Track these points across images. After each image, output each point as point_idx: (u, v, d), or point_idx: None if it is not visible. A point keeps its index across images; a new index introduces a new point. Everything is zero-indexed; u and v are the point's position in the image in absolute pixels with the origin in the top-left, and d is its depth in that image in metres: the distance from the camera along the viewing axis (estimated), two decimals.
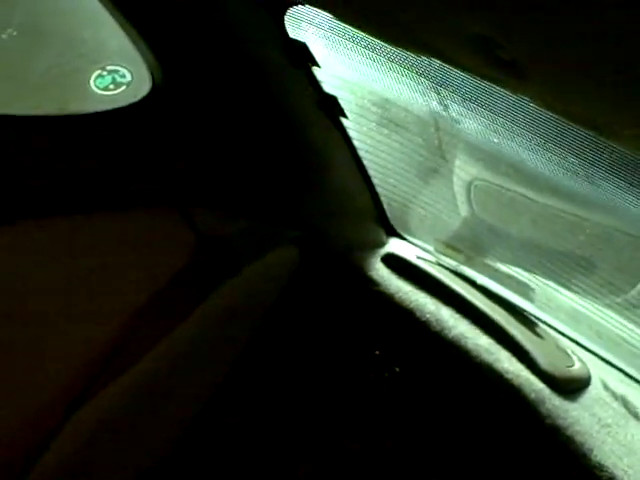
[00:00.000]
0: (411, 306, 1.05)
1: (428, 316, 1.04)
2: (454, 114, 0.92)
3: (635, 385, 1.05)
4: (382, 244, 1.17)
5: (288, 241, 1.12)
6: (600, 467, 0.87)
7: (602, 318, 1.11)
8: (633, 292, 1.08)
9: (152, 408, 1.00)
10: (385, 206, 1.17)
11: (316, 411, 1.18)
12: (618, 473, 0.86)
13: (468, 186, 1.23)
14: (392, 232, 1.21)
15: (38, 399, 0.87)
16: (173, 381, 1.01)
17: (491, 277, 1.16)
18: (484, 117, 0.85)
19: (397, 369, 1.08)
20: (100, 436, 0.91)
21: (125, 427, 0.96)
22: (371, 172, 1.10)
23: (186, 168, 1.02)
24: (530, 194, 1.19)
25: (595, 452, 0.89)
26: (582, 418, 0.92)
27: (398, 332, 1.09)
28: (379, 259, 1.13)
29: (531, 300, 1.15)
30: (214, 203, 1.09)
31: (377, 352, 1.10)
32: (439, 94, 0.87)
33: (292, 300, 1.13)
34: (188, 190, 1.06)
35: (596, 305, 1.12)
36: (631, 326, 1.09)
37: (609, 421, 0.94)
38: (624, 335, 1.09)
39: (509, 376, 0.96)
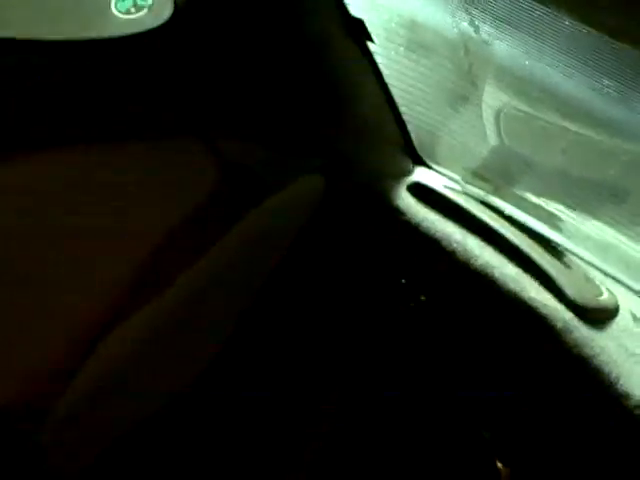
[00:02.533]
0: (437, 235, 1.04)
1: (454, 245, 1.02)
2: (485, 35, 0.89)
3: None
4: (409, 173, 1.16)
5: (313, 170, 1.10)
6: (627, 396, 0.87)
7: (632, 249, 1.09)
8: None
9: (175, 340, 1.00)
10: (412, 135, 1.15)
11: (342, 342, 1.18)
12: None
13: (497, 114, 1.20)
14: (419, 161, 1.19)
15: (64, 331, 0.88)
16: (197, 312, 1.01)
17: (519, 207, 1.14)
18: (516, 38, 0.82)
19: (423, 298, 1.07)
20: (126, 367, 0.92)
21: (151, 357, 0.97)
22: (398, 99, 1.08)
23: (210, 97, 1.01)
24: (561, 122, 1.16)
25: (622, 381, 0.88)
26: (609, 347, 0.92)
27: (424, 261, 1.08)
28: (405, 188, 1.11)
29: (559, 230, 1.13)
30: (239, 133, 1.07)
31: (403, 281, 1.10)
32: (469, 14, 0.84)
33: (318, 229, 1.12)
34: (213, 119, 1.04)
35: (626, 236, 1.10)
36: None
37: (637, 351, 0.93)
38: None
39: (536, 305, 0.95)
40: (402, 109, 1.10)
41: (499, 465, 0.98)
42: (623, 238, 1.11)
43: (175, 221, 0.99)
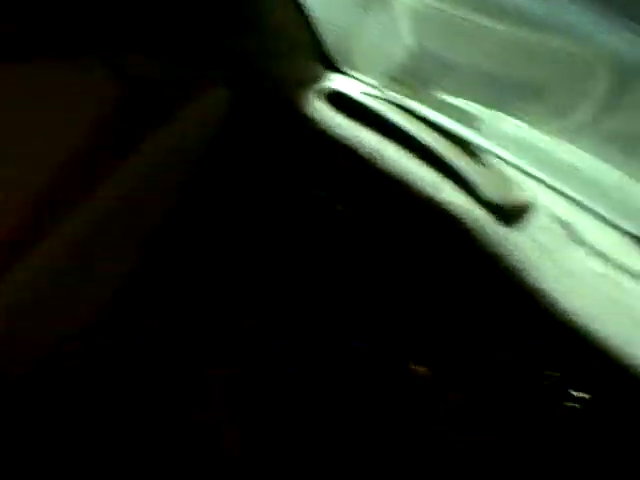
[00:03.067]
0: (353, 142, 1.02)
1: (370, 152, 1.00)
2: None
3: (578, 210, 1.04)
4: (322, 80, 1.12)
5: (220, 82, 1.06)
6: (541, 291, 0.88)
7: (549, 145, 1.09)
8: (581, 115, 1.05)
9: (83, 267, 0.97)
10: (324, 39, 1.10)
11: (257, 254, 1.17)
12: (557, 296, 0.87)
13: (412, 12, 1.16)
14: (333, 68, 1.15)
15: None
16: (105, 237, 0.98)
17: (438, 109, 1.12)
18: None
19: (339, 207, 1.06)
20: (29, 299, 0.89)
21: (55, 289, 0.95)
22: (306, 1, 1.03)
23: (109, 13, 0.95)
24: (478, 19, 1.13)
25: (536, 277, 0.89)
26: (524, 244, 0.92)
27: (339, 170, 1.06)
28: (319, 95, 1.08)
29: (478, 130, 1.11)
30: (141, 48, 1.02)
31: (318, 191, 1.08)
32: None
33: (227, 143, 1.08)
34: (112, 35, 0.99)
35: (544, 132, 1.10)
36: (578, 151, 1.07)
37: (551, 246, 0.94)
38: (571, 161, 1.07)
39: (452, 206, 0.94)
40: (311, 12, 1.05)
41: (413, 367, 0.99)
42: (541, 135, 1.10)
43: (78, 141, 0.95)
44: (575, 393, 0.86)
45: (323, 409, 1.11)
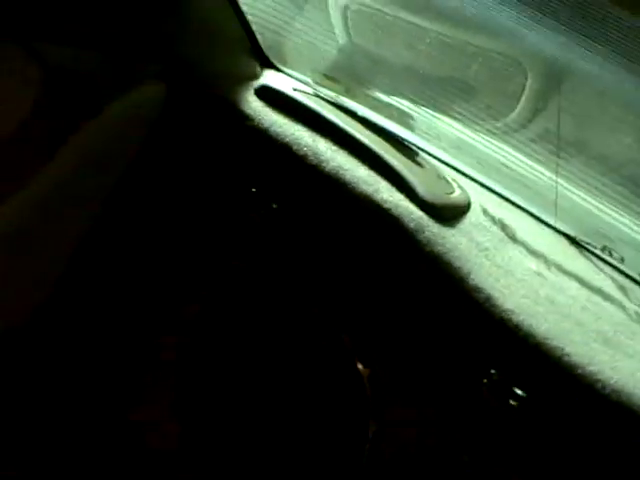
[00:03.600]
0: (287, 140, 0.99)
1: (305, 149, 0.98)
2: None
3: (513, 209, 1.05)
4: (256, 76, 1.09)
5: (153, 76, 1.02)
6: (477, 289, 0.88)
7: (482, 144, 1.09)
8: (513, 115, 1.06)
9: (10, 267, 0.92)
10: (258, 35, 1.08)
11: (194, 251, 1.14)
12: (494, 294, 0.87)
13: (344, 10, 1.15)
14: (267, 64, 1.13)
15: None
16: (31, 235, 0.93)
17: (371, 108, 1.11)
18: None
19: (274, 206, 1.03)
20: None
21: None
22: None
23: None
24: (409, 17, 1.13)
25: (473, 275, 0.89)
26: (460, 243, 0.92)
27: (274, 168, 1.04)
28: (253, 92, 1.05)
29: (412, 129, 1.11)
30: (65, 37, 0.97)
31: (253, 189, 1.05)
32: None
33: (161, 138, 1.05)
34: (34, 23, 0.94)
35: (477, 132, 1.10)
36: (510, 151, 1.08)
37: (487, 245, 0.94)
38: (504, 160, 1.08)
39: (388, 206, 0.93)
40: (245, 7, 1.03)
41: (360, 367, 0.98)
42: (474, 134, 1.11)
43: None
44: (518, 391, 0.86)
45: (261, 402, 1.08)
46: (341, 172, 0.96)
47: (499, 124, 1.07)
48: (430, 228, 0.92)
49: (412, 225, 0.92)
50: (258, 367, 1.10)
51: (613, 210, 1.01)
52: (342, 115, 1.06)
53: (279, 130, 1.01)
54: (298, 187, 1.02)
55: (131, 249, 1.13)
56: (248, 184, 1.05)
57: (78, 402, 1.13)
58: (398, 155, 1.01)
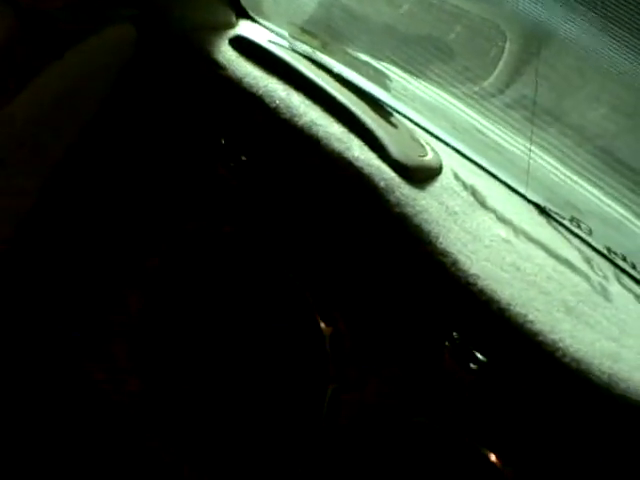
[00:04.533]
0: (260, 92, 0.97)
1: (278, 102, 0.96)
2: None
3: (485, 175, 1.04)
4: (231, 26, 1.07)
5: (124, 19, 0.99)
6: (445, 253, 0.87)
7: (458, 109, 1.08)
8: (490, 80, 1.04)
9: None
10: None
11: (160, 202, 1.11)
12: (461, 258, 0.86)
13: None
14: (243, 14, 1.10)
15: None
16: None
17: (347, 65, 1.09)
18: None
19: (244, 158, 1.01)
20: None
21: None
22: None
23: None
24: None
25: (441, 239, 0.88)
26: (430, 206, 0.91)
27: (245, 119, 1.01)
28: (227, 41, 1.02)
29: (387, 89, 1.09)
30: None
31: (223, 141, 1.02)
32: None
33: (130, 84, 1.02)
34: None
35: (453, 95, 1.09)
36: (485, 116, 1.06)
37: (457, 209, 0.93)
38: (478, 126, 1.07)
39: (359, 164, 0.91)
40: None
41: (322, 325, 0.97)
42: (449, 98, 1.09)
43: None
44: (479, 355, 0.86)
45: (221, 357, 1.07)
46: (314, 128, 0.94)
47: (476, 88, 1.06)
48: (401, 189, 0.91)
49: (383, 185, 0.90)
50: (219, 323, 1.08)
51: (584, 182, 1.01)
52: (317, 70, 1.04)
53: (252, 82, 0.98)
54: (269, 140, 1.00)
55: (92, 198, 1.11)
56: (217, 135, 1.02)
57: (36, 356, 1.12)
58: (372, 114, 0.99)
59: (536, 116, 0.98)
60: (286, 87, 0.98)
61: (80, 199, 1.12)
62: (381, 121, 0.99)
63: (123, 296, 1.12)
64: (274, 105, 0.96)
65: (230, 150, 1.02)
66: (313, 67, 1.04)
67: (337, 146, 0.93)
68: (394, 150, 0.94)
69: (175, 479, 1.06)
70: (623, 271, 0.96)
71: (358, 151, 0.93)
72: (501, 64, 1.04)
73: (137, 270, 1.13)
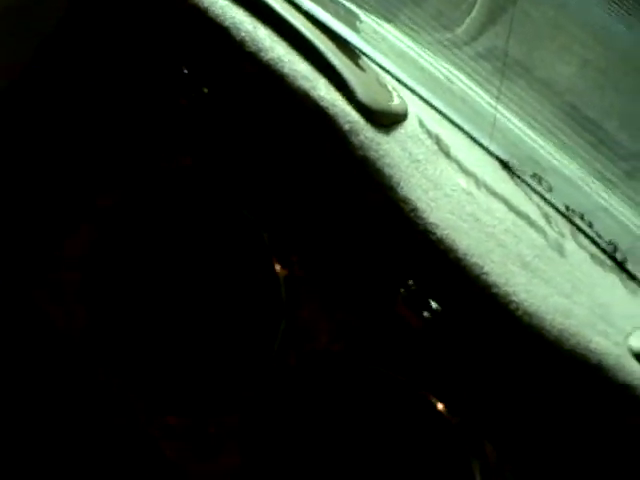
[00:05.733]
0: (226, 23, 0.93)
1: (244, 35, 0.92)
2: None
3: (450, 126, 1.03)
4: None
5: None
6: (405, 200, 0.86)
7: (428, 56, 1.06)
8: (463, 27, 1.02)
9: None
10: None
11: (115, 134, 1.07)
12: (421, 206, 0.85)
13: None
14: None
15: None
16: None
17: (317, 2, 1.05)
18: None
19: (205, 90, 0.98)
20: None
21: None
22: None
23: None
24: None
25: (402, 185, 0.87)
26: (394, 152, 0.89)
27: (209, 50, 0.97)
28: None
29: (357, 31, 1.06)
30: None
31: (185, 71, 0.99)
32: None
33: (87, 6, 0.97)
34: None
35: (424, 42, 1.07)
36: (455, 65, 1.05)
37: (420, 157, 0.92)
38: (447, 74, 1.05)
39: (325, 104, 0.89)
40: None
41: (277, 267, 0.96)
42: (420, 44, 1.07)
43: None
44: (433, 303, 0.86)
45: (172, 293, 1.05)
46: (280, 64, 0.91)
47: (448, 35, 1.04)
48: (365, 132, 0.89)
49: (347, 127, 0.88)
50: (172, 258, 1.06)
51: (548, 138, 1.01)
52: (286, 5, 1.00)
53: (218, 12, 0.94)
54: (233, 74, 0.96)
55: (44, 126, 1.06)
56: (179, 64, 0.99)
57: None
58: (340, 55, 0.97)
59: (507, 67, 0.97)
60: (253, 20, 0.94)
61: (32, 127, 1.07)
62: (349, 63, 0.97)
63: (76, 226, 1.08)
64: (240, 38, 0.92)
65: (192, 81, 0.99)
66: (282, 2, 1.00)
67: (303, 84, 0.90)
68: (361, 93, 0.91)
69: (122, 410, 1.05)
70: (580, 229, 0.96)
71: (324, 91, 0.90)
72: (475, 11, 1.02)
73: (91, 203, 1.09)
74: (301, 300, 0.97)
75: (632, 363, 0.81)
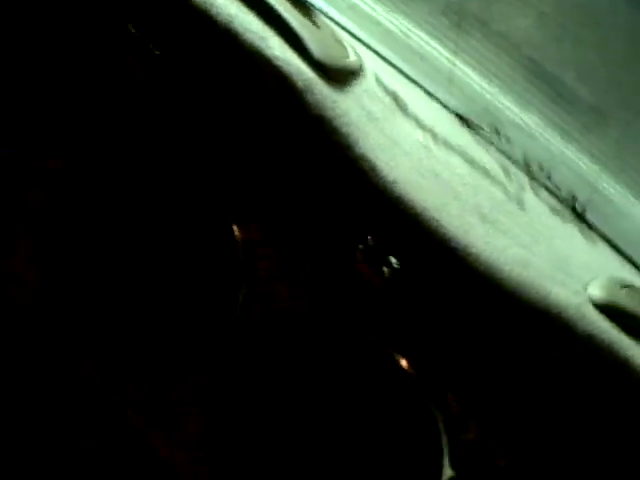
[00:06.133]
0: None
1: None
2: None
3: (406, 82, 1.02)
4: None
5: None
6: (362, 158, 0.85)
7: (383, 10, 1.05)
8: None
9: None
10: None
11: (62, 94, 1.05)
12: (380, 164, 0.85)
13: None
14: None
15: None
16: None
17: None
18: None
19: (157, 52, 0.95)
20: None
21: None
22: None
23: None
24: None
25: (360, 144, 0.86)
26: (350, 110, 0.88)
27: (158, 9, 0.95)
28: None
29: None
30: None
31: (133, 30, 0.96)
32: None
33: None
34: None
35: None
36: (411, 21, 1.04)
37: (378, 115, 0.91)
38: (403, 29, 1.04)
39: (278, 62, 0.88)
40: None
41: (235, 228, 0.95)
42: (374, 1, 1.06)
43: None
44: (392, 259, 0.86)
45: (127, 256, 1.04)
46: (233, 22, 0.90)
47: None
48: (320, 90, 0.88)
49: (302, 85, 0.87)
50: (128, 222, 1.04)
51: (506, 92, 1.00)
52: None
53: None
54: (184, 33, 0.94)
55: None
56: (126, 22, 0.96)
57: None
58: (294, 12, 0.95)
59: (464, 20, 0.96)
60: None
61: None
62: (303, 19, 0.95)
63: (24, 190, 1.06)
64: None
65: (141, 40, 0.96)
66: None
67: (256, 43, 0.89)
68: (315, 50, 0.90)
69: (77, 376, 1.04)
70: (538, 181, 0.97)
71: (278, 49, 0.89)
72: None
73: (41, 165, 1.06)
74: (260, 261, 0.96)
75: (592, 313, 0.82)
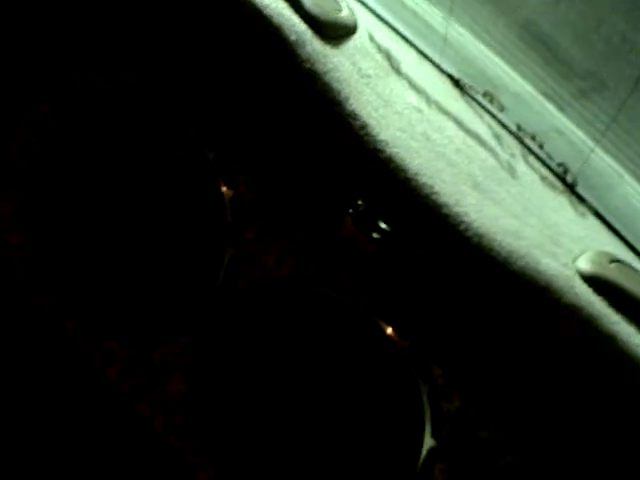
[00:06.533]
0: None
1: None
2: None
3: (400, 41, 0.99)
4: None
5: None
6: (354, 115, 0.82)
7: None
8: None
9: None
10: None
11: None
12: (371, 122, 0.82)
13: None
14: None
15: None
16: None
17: None
18: None
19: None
20: None
21: None
22: None
23: None
24: None
25: (351, 101, 0.82)
26: (342, 65, 0.85)
27: None
28: None
29: None
30: None
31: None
32: None
33: None
34: None
35: None
36: None
37: (370, 72, 0.88)
38: None
39: (269, 13, 0.84)
40: None
41: (223, 188, 0.91)
42: None
43: None
44: (382, 224, 0.83)
45: (111, 216, 1.00)
46: None
47: None
48: (312, 44, 0.84)
49: (293, 38, 0.83)
50: (113, 177, 1.00)
51: (501, 55, 0.97)
52: None
53: None
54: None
55: None
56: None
57: None
58: None
59: None
60: None
61: None
62: None
63: (8, 140, 1.01)
64: None
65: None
66: None
67: None
68: (308, 2, 0.86)
69: (61, 336, 1.00)
70: (531, 151, 0.94)
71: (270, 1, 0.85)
72: None
73: (24, 118, 1.02)
74: (248, 222, 0.93)
75: (580, 285, 0.80)
